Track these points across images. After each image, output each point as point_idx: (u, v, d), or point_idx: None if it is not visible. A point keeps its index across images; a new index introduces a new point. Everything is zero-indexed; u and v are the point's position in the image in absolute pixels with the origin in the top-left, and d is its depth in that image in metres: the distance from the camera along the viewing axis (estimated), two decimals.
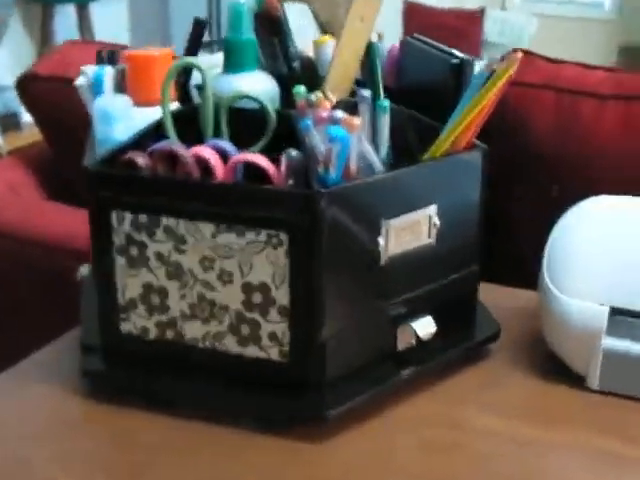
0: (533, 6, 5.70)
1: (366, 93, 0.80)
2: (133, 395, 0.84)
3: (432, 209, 0.84)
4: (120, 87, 0.87)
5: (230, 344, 0.82)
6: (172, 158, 0.81)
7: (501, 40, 4.94)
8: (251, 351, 0.82)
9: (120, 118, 0.83)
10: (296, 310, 0.79)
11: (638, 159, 1.09)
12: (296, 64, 0.93)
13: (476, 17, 4.97)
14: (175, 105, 0.88)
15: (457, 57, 0.87)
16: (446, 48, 0.90)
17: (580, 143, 1.11)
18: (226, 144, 0.82)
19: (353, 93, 0.88)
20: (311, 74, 0.92)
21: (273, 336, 0.80)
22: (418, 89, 0.93)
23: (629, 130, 1.11)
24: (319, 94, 0.80)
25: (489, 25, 4.96)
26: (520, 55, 0.79)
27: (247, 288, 0.80)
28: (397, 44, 0.95)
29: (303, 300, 0.79)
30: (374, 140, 0.82)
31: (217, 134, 0.85)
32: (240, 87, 0.87)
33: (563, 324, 0.86)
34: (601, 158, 1.09)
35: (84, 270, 0.94)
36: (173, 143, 0.82)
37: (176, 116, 0.85)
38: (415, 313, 0.86)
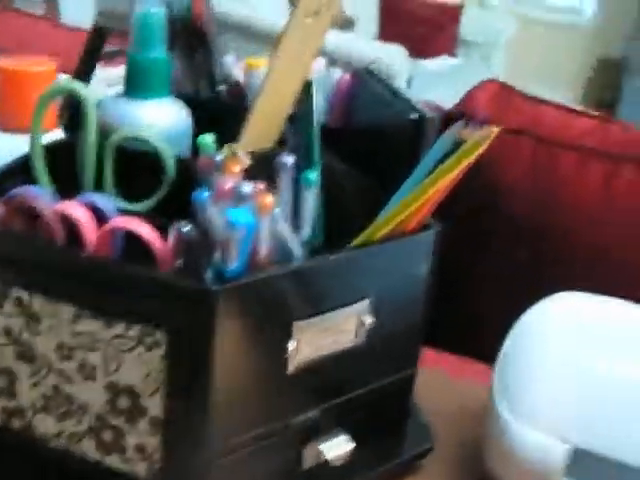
0: (514, 7, 5.35)
1: (288, 159, 0.62)
2: None
3: (363, 305, 0.67)
4: None
5: (88, 448, 0.65)
6: (34, 214, 0.63)
7: (477, 39, 4.63)
8: (113, 461, 0.65)
9: None
10: (172, 426, 0.62)
11: (619, 228, 0.91)
12: (222, 88, 0.74)
13: (455, 13, 4.63)
14: (57, 133, 0.70)
15: (417, 111, 0.68)
16: (404, 94, 0.72)
17: (557, 206, 0.92)
18: (104, 201, 0.64)
19: (281, 140, 0.70)
20: (238, 103, 0.73)
21: (141, 449, 0.64)
22: (369, 137, 0.75)
23: (611, 194, 0.92)
24: (229, 151, 0.62)
25: (466, 22, 4.62)
26: (495, 131, 0.61)
27: (112, 388, 0.63)
28: (347, 75, 0.76)
29: (182, 415, 0.62)
30: (295, 217, 0.64)
31: (98, 182, 0.66)
32: (139, 118, 0.68)
33: (513, 456, 0.69)
34: (578, 223, 0.91)
35: None
36: (37, 192, 0.64)
37: (54, 149, 0.67)
38: (328, 429, 0.69)
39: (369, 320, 0.67)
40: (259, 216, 0.58)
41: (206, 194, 0.58)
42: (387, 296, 0.68)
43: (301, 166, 0.64)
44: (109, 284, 0.60)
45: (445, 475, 0.75)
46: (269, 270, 0.61)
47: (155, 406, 0.62)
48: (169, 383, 0.61)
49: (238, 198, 0.59)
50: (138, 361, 0.61)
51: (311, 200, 0.63)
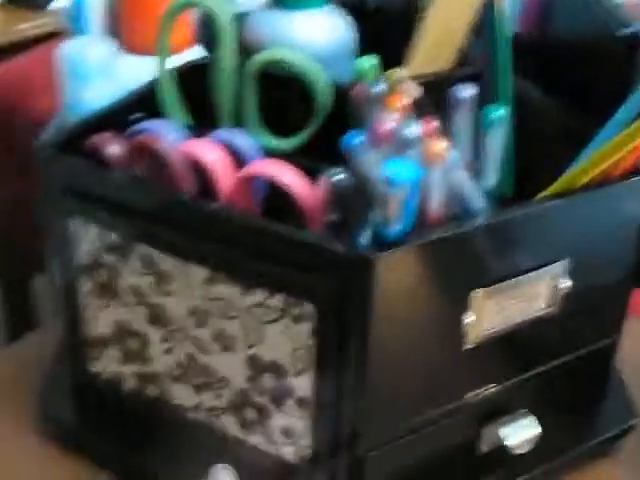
0: None
1: (467, 91, 0.48)
2: (101, 458, 0.60)
3: (559, 267, 0.53)
4: (111, 23, 0.58)
5: (229, 425, 0.56)
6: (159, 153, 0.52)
7: None
8: (257, 440, 0.56)
9: (98, 73, 0.55)
10: (323, 409, 0.52)
11: None
12: None
13: None
14: (194, 52, 0.58)
15: (630, 26, 0.53)
16: (612, 5, 0.56)
17: None
18: (245, 139, 0.52)
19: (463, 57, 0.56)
20: (392, 14, 0.60)
21: (288, 432, 0.54)
22: (567, 54, 0.59)
23: None
24: (393, 79, 0.49)
25: None
26: None
27: (254, 363, 0.53)
28: None
29: (334, 399, 0.51)
30: (476, 162, 0.51)
31: (238, 113, 0.55)
32: (291, 34, 0.56)
33: None
34: None
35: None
36: (163, 127, 0.53)
37: (186, 74, 0.56)
38: (510, 410, 0.57)
39: (566, 284, 0.54)
40: (428, 166, 0.46)
41: (360, 138, 0.46)
42: (588, 255, 0.55)
43: (485, 97, 0.50)
44: (247, 244, 0.50)
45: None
46: (441, 230, 0.48)
47: (303, 386, 0.52)
48: (319, 361, 0.51)
49: (401, 143, 0.46)
50: (283, 335, 0.51)
51: (497, 141, 0.49)
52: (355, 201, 0.48)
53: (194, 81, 0.56)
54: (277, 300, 0.50)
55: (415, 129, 0.45)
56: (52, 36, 1.03)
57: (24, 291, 1.12)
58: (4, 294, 1.14)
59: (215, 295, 0.52)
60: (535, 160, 0.55)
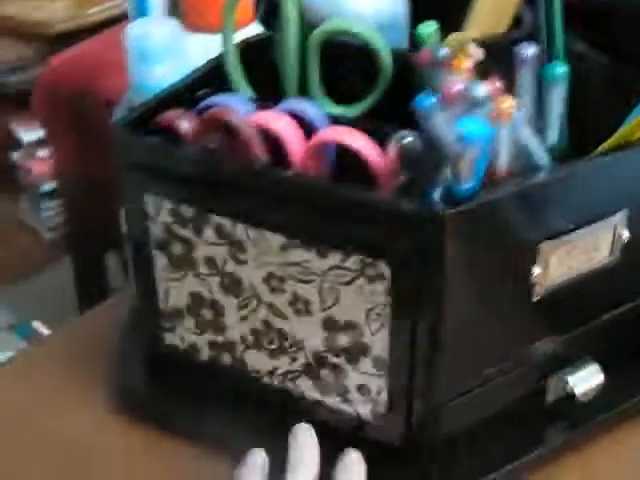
0: None
1: (529, 50, 0.50)
2: (176, 427, 0.62)
3: (618, 218, 0.55)
4: (171, 4, 0.60)
5: (305, 387, 0.58)
6: (230, 125, 0.54)
7: None
8: (332, 401, 0.58)
9: (164, 53, 0.57)
10: (399, 366, 0.54)
11: None
12: None
13: None
14: (253, 29, 0.60)
15: None
16: None
17: None
18: (312, 109, 0.54)
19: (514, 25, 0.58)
20: None
21: (364, 390, 0.56)
22: (619, 12, 0.61)
23: None
24: (455, 43, 0.51)
25: None
26: None
27: (330, 325, 0.55)
28: None
29: (410, 354, 0.53)
30: (540, 119, 0.53)
31: (302, 84, 0.57)
32: (346, 5, 0.58)
33: None
34: None
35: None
36: (232, 101, 0.55)
37: (249, 49, 0.58)
38: (576, 359, 0.59)
39: (625, 234, 0.56)
40: (498, 124, 0.48)
41: (432, 100, 0.48)
42: None
43: (542, 56, 0.52)
44: (322, 209, 0.51)
45: None
46: (509, 186, 0.50)
47: (379, 344, 0.54)
48: (395, 319, 0.53)
49: (471, 103, 0.48)
50: (359, 295, 0.53)
51: (558, 99, 0.51)
52: (426, 162, 0.50)
53: (257, 56, 0.58)
54: (352, 262, 0.52)
55: (484, 88, 0.47)
56: (120, 19, 1.07)
57: (97, 268, 1.15)
58: (78, 270, 1.17)
59: (291, 260, 0.54)
60: (590, 116, 0.57)
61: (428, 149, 0.50)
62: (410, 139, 0.50)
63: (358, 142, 0.52)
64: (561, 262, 0.54)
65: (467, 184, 0.49)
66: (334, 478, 0.52)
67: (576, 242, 0.54)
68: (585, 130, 0.57)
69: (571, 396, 0.58)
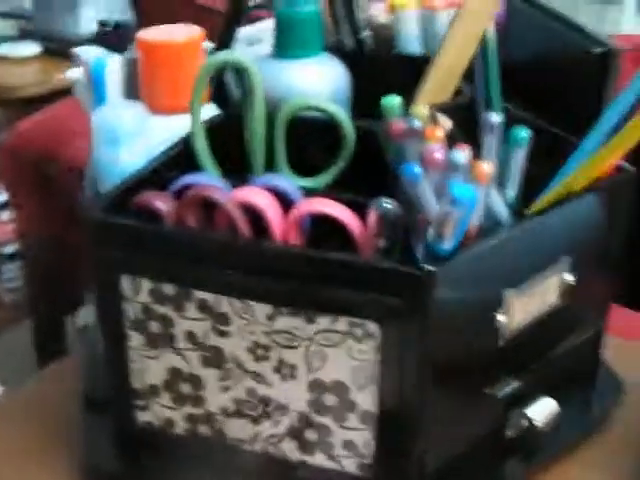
0: None
1: (496, 118, 0.55)
2: None
3: (564, 263, 0.61)
4: (129, 86, 0.61)
5: (289, 450, 0.60)
6: (208, 202, 0.56)
7: None
8: (318, 459, 0.60)
9: (131, 137, 0.58)
10: (387, 417, 0.57)
11: None
12: (365, 34, 0.67)
13: None
14: (208, 109, 0.63)
15: (601, 44, 0.61)
16: (575, 22, 0.65)
17: None
18: (286, 183, 0.57)
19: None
20: (386, 52, 0.66)
21: (350, 445, 0.59)
22: (529, 74, 0.68)
23: None
24: (423, 113, 0.55)
25: None
26: None
27: (316, 387, 0.57)
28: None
29: (397, 404, 0.56)
30: (500, 181, 0.58)
31: (270, 158, 0.60)
32: (298, 84, 0.62)
33: None
34: None
35: (84, 317, 0.70)
36: (208, 180, 0.57)
37: (211, 129, 0.60)
38: (531, 393, 0.64)
39: (570, 278, 0.62)
40: (476, 186, 0.52)
41: (418, 168, 0.52)
42: (586, 251, 0.63)
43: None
44: (309, 276, 0.54)
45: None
46: (482, 242, 0.55)
47: (366, 400, 0.57)
48: (383, 374, 0.56)
49: (450, 168, 0.53)
50: (346, 355, 0.56)
51: (520, 160, 0.56)
52: (407, 225, 0.54)
53: (222, 135, 0.60)
54: (341, 324, 0.55)
55: (463, 154, 0.52)
56: None
57: (57, 330, 1.12)
58: (38, 332, 1.14)
59: (278, 328, 0.56)
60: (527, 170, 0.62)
61: (408, 213, 0.54)
62: (389, 205, 0.54)
63: (339, 211, 0.55)
64: (521, 308, 0.59)
65: (449, 244, 0.53)
66: None
67: (531, 290, 0.60)
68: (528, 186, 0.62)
69: (531, 427, 0.63)
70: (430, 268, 0.52)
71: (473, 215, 0.54)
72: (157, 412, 0.62)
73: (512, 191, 0.58)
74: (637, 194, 0.63)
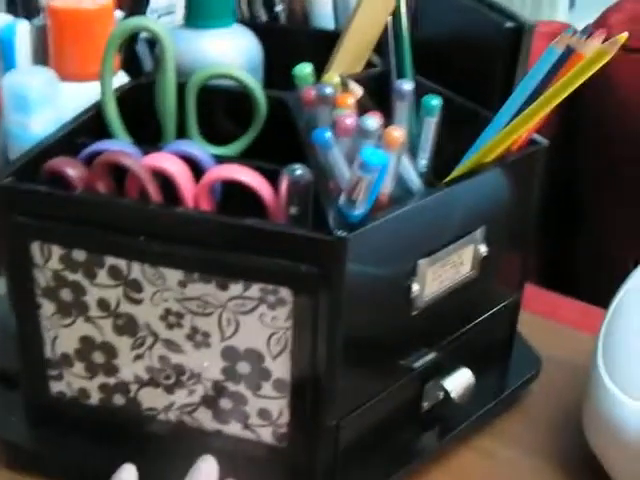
0: None
1: (407, 86, 0.56)
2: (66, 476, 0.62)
3: (478, 234, 0.62)
4: (39, 53, 0.60)
5: (204, 419, 0.60)
6: (118, 169, 0.56)
7: None
8: (233, 429, 0.60)
9: (41, 103, 0.57)
10: (300, 386, 0.57)
11: None
12: (279, 9, 0.67)
13: None
14: (119, 77, 0.62)
15: (513, 19, 0.62)
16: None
17: None
18: (197, 149, 0.57)
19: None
20: (300, 26, 0.66)
21: (265, 414, 0.59)
22: (443, 49, 0.68)
23: None
24: (335, 81, 0.56)
25: None
26: (624, 37, 0.55)
27: (230, 354, 0.57)
28: None
29: (310, 373, 0.57)
30: (411, 149, 0.58)
31: (182, 128, 0.60)
32: (210, 53, 0.61)
33: (618, 434, 0.59)
34: None
35: None
36: (119, 146, 0.57)
37: (122, 97, 0.60)
38: (448, 364, 0.64)
39: (483, 249, 0.62)
40: (388, 153, 0.53)
41: (328, 133, 0.52)
42: (499, 222, 0.63)
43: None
44: (221, 242, 0.54)
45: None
46: (394, 210, 0.55)
47: (280, 368, 0.57)
48: (295, 342, 0.56)
49: (361, 134, 0.53)
50: (259, 322, 0.55)
51: (432, 128, 0.57)
52: (318, 191, 0.54)
53: (132, 103, 0.60)
54: (254, 291, 0.55)
55: (374, 121, 0.52)
56: None
57: None
58: None
59: (190, 295, 0.56)
60: (442, 143, 0.63)
61: (319, 179, 0.54)
62: (300, 171, 0.54)
63: (250, 178, 0.55)
64: (435, 278, 0.60)
65: (360, 210, 0.53)
66: None
67: (444, 259, 0.60)
68: (441, 157, 0.63)
69: (447, 399, 0.64)
70: (341, 234, 0.52)
71: (385, 182, 0.54)
72: (70, 382, 0.61)
73: (424, 160, 0.58)
74: (549, 168, 0.64)
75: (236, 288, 0.55)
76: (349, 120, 0.52)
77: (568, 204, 0.88)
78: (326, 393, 0.57)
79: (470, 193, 0.60)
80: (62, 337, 0.60)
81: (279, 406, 0.58)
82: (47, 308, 0.59)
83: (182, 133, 0.60)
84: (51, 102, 0.58)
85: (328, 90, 0.54)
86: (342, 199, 0.53)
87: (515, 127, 0.60)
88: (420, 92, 0.61)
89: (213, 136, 0.61)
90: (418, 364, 0.62)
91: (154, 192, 0.55)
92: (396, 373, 0.61)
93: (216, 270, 0.55)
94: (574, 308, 0.83)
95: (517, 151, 0.62)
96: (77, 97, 0.59)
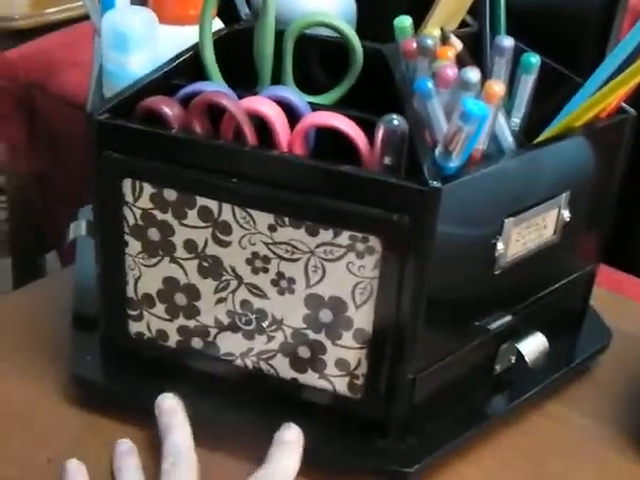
0: None
1: (507, 42, 0.56)
2: (138, 415, 0.62)
3: (563, 198, 0.61)
4: None
5: (281, 367, 0.60)
6: (214, 111, 0.56)
7: None
8: (309, 379, 0.60)
9: (140, 42, 0.58)
10: (380, 337, 0.57)
11: None
12: None
13: None
14: (217, 24, 0.62)
15: None
16: None
17: None
18: (293, 95, 0.57)
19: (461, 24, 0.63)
20: None
21: (343, 365, 0.59)
22: (537, 14, 0.68)
23: None
24: (435, 34, 0.56)
25: None
26: None
27: (313, 302, 0.57)
28: None
29: (392, 326, 0.57)
30: (507, 107, 0.58)
31: (277, 75, 0.60)
32: (307, 3, 0.62)
33: None
34: None
35: (77, 228, 0.70)
36: (216, 88, 0.57)
37: (218, 42, 0.60)
38: (524, 330, 0.64)
39: (567, 214, 0.62)
40: (488, 106, 0.53)
41: (430, 83, 0.52)
42: (583, 189, 0.63)
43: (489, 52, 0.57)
44: (313, 187, 0.54)
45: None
46: (487, 165, 0.55)
47: (362, 318, 0.57)
48: (380, 293, 0.56)
49: (462, 87, 0.53)
50: (346, 270, 0.56)
51: (529, 86, 0.57)
52: (414, 144, 0.54)
53: (230, 48, 0.60)
54: (343, 238, 0.55)
55: (475, 74, 0.52)
56: (77, 20, 1.07)
57: (35, 268, 1.11)
58: (17, 270, 1.12)
59: (279, 240, 0.56)
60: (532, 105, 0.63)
61: (416, 130, 0.54)
62: (397, 121, 0.54)
63: (346, 125, 0.55)
64: (518, 239, 0.60)
65: (455, 162, 0.53)
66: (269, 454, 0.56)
67: (529, 220, 0.60)
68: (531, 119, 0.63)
69: (520, 363, 0.64)
70: (436, 184, 0.52)
71: (481, 137, 0.54)
72: (150, 323, 0.62)
73: (517, 119, 0.58)
74: (636, 138, 0.64)
75: (326, 234, 0.55)
76: (450, 71, 0.52)
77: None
78: (406, 347, 0.57)
79: (557, 156, 0.60)
80: (146, 277, 0.60)
81: (357, 357, 0.58)
82: (133, 247, 0.59)
83: (276, 81, 0.60)
84: (149, 42, 0.58)
85: (429, 41, 0.54)
86: (439, 150, 0.53)
87: (604, 95, 0.59)
88: (514, 53, 0.62)
89: (308, 85, 0.61)
90: (494, 326, 0.62)
91: (250, 134, 0.55)
92: (472, 333, 0.61)
93: (307, 215, 0.55)
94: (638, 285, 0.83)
95: (605, 119, 0.62)
96: (175, 40, 0.60)
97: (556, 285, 0.66)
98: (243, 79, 0.60)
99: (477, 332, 0.62)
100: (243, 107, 0.55)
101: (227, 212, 0.56)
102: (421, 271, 0.55)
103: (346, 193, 0.54)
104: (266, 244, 0.56)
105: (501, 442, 0.63)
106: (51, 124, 1.05)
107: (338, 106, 0.60)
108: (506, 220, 0.58)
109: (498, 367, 0.65)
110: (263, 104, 0.56)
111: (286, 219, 0.55)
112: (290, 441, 0.58)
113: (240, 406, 0.61)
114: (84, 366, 0.64)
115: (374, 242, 0.54)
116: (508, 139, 0.57)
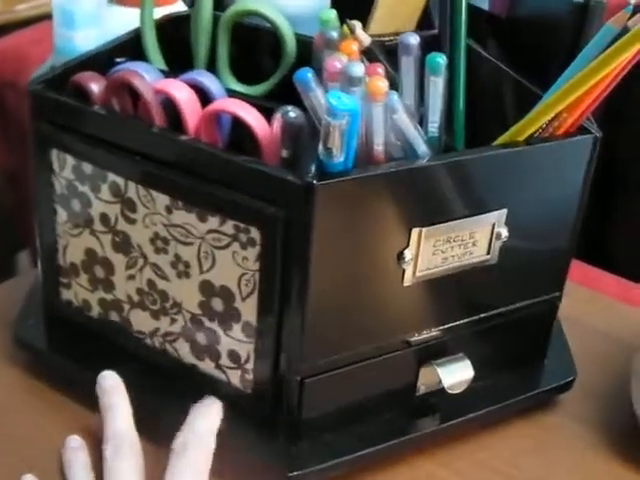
0: None
1: (412, 39, 0.53)
2: (64, 380, 0.64)
3: (497, 215, 0.57)
4: None
5: (182, 350, 0.60)
6: (135, 92, 0.57)
7: None
8: (207, 367, 0.60)
9: (86, 20, 0.60)
10: (265, 333, 0.56)
11: None
12: None
13: None
14: (178, 7, 0.64)
15: None
16: None
17: None
18: (209, 80, 0.57)
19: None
20: None
21: (235, 357, 0.58)
22: (529, 26, 0.64)
23: None
24: (346, 27, 0.54)
25: None
26: None
27: (206, 288, 0.57)
28: None
29: (275, 322, 0.55)
30: (421, 108, 0.55)
31: (212, 62, 0.60)
32: None
33: None
34: None
35: None
36: (141, 69, 0.58)
37: (162, 26, 0.61)
38: (449, 353, 0.61)
39: (504, 233, 0.58)
40: (370, 102, 0.50)
41: (309, 74, 0.51)
42: (528, 208, 0.59)
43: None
44: (204, 172, 0.54)
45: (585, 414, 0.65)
46: (380, 167, 0.53)
47: (249, 310, 0.56)
48: (263, 285, 0.55)
49: (347, 81, 0.51)
50: (232, 260, 0.55)
51: (439, 88, 0.54)
52: (305, 136, 0.53)
53: (173, 32, 0.61)
54: (228, 226, 0.54)
55: (361, 68, 0.50)
56: (47, 17, 1.10)
57: (6, 268, 1.16)
58: None
59: (174, 222, 0.56)
60: (489, 121, 0.59)
61: (308, 123, 0.52)
62: (292, 114, 0.53)
63: (247, 114, 0.55)
64: (436, 252, 0.57)
65: (338, 159, 0.51)
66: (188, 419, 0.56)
67: (449, 234, 0.56)
68: (488, 136, 0.59)
69: (442, 390, 0.60)
70: (309, 179, 0.51)
71: (374, 132, 0.52)
72: (77, 292, 0.64)
73: (435, 122, 0.55)
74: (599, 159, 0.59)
75: (213, 221, 0.55)
76: (337, 63, 0.51)
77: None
78: (291, 346, 0.56)
79: (490, 169, 0.56)
80: (71, 246, 0.62)
81: (247, 350, 0.57)
82: (61, 215, 0.62)
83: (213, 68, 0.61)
84: (97, 21, 0.61)
85: (333, 34, 0.53)
86: (320, 147, 0.51)
87: (547, 107, 0.56)
88: (471, 60, 0.59)
89: (251, 74, 0.61)
90: (413, 339, 0.59)
91: (157, 114, 0.56)
92: (383, 345, 0.59)
93: (196, 200, 0.55)
94: (615, 283, 0.78)
95: (560, 136, 0.57)
96: (123, 21, 0.61)
97: (496, 311, 0.61)
98: (185, 63, 0.61)
99: (392, 345, 0.59)
100: (156, 89, 0.56)
101: (132, 189, 0.57)
102: (303, 268, 0.53)
103: (232, 182, 0.53)
104: (165, 225, 0.57)
105: (434, 458, 0.61)
106: (23, 122, 1.04)
107: (262, 98, 0.59)
108: (414, 229, 0.55)
109: (422, 388, 0.61)
110: (174, 87, 0.56)
111: (179, 202, 0.56)
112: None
113: (154, 385, 0.61)
114: (27, 329, 0.67)
115: (255, 234, 0.54)
116: (420, 144, 0.54)
